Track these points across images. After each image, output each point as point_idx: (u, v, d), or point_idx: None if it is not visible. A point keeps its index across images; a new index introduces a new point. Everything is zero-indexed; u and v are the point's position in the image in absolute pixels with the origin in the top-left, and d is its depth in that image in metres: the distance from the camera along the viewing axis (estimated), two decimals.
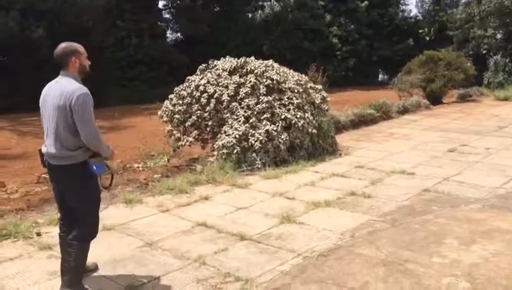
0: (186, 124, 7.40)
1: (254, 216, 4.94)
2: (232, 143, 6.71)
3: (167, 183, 5.92)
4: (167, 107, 7.70)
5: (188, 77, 7.87)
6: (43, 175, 7.86)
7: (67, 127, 3.06)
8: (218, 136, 7.03)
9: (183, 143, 7.41)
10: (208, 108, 7.24)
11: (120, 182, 6.07)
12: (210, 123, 7.25)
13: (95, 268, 3.64)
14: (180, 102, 7.52)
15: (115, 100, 19.43)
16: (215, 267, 3.71)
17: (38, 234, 4.38)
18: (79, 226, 3.21)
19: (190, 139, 7.32)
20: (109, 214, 4.99)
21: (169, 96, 7.90)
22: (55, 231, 4.47)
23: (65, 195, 3.24)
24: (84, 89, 3.09)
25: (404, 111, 13.03)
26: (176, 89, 7.88)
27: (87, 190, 3.20)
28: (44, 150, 3.21)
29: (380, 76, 32.51)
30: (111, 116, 15.06)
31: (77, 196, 3.19)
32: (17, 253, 3.99)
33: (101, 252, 3.99)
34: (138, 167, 8.16)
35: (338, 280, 3.46)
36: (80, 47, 3.24)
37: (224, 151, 6.73)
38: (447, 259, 3.77)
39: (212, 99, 7.24)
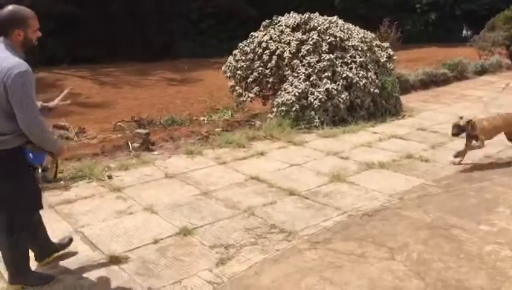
0: (248, 80, 7.59)
1: (306, 173, 5.11)
2: (291, 101, 6.81)
3: (226, 137, 6.22)
4: (231, 63, 7.90)
5: (251, 33, 7.96)
6: (119, 123, 8.54)
7: (0, 109, 2.60)
8: (278, 93, 7.15)
9: (245, 99, 7.64)
10: (269, 65, 7.35)
11: (184, 133, 6.47)
12: (271, 80, 7.37)
13: (68, 243, 3.36)
14: (243, 58, 7.68)
15: (186, 53, 19.97)
16: (262, 219, 3.97)
17: (110, 177, 4.89)
18: (5, 218, 2.81)
19: (251, 95, 7.52)
20: (172, 163, 5.41)
21: (233, 52, 8.07)
22: (126, 175, 4.99)
23: None
24: (24, 66, 2.57)
25: (482, 72, 12.20)
26: (239, 44, 8.03)
27: (15, 182, 2.73)
28: None
29: (464, 32, 30.11)
30: (181, 69, 15.59)
31: (5, 186, 2.73)
32: (90, 193, 4.51)
33: (162, 197, 4.41)
34: (203, 120, 8.56)
35: (378, 240, 3.58)
36: (30, 18, 2.69)
37: (283, 108, 6.86)
38: (495, 227, 3.73)
39: (274, 56, 7.32)
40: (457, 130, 5.20)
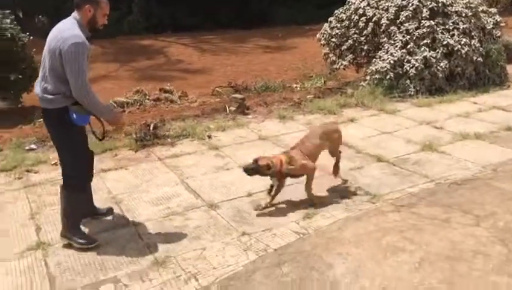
0: (342, 48, 7.61)
1: (396, 141, 5.15)
2: (385, 68, 6.75)
3: (318, 103, 6.40)
4: (325, 30, 7.96)
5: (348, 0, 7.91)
6: (217, 88, 9.10)
7: (53, 70, 2.91)
8: (373, 60, 7.10)
9: (338, 66, 7.70)
10: (365, 32, 7.30)
11: (277, 99, 6.77)
12: (366, 47, 7.33)
13: (106, 213, 3.60)
14: (338, 25, 7.69)
15: (281, 20, 20.07)
16: (348, 181, 4.16)
17: (209, 137, 5.38)
18: (64, 173, 3.21)
19: (345, 62, 7.56)
20: (265, 126, 5.76)
21: (329, 19, 8.10)
22: (223, 136, 5.45)
23: (51, 138, 3.27)
24: (80, 38, 2.86)
25: None
26: (335, 11, 8.02)
27: (66, 138, 3.05)
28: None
29: None
30: (276, 37, 15.79)
31: (58, 142, 3.14)
32: (193, 149, 5.04)
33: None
34: (296, 87, 8.78)
35: (465, 207, 3.61)
36: (103, 2, 3.00)
37: (377, 76, 6.83)
38: None
39: (370, 23, 7.24)
40: (252, 171, 3.61)
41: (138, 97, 8.00)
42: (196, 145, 5.17)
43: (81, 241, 3.20)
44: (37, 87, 3.05)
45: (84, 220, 3.44)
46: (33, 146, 5.16)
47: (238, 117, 6.06)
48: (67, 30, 2.88)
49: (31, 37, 7.83)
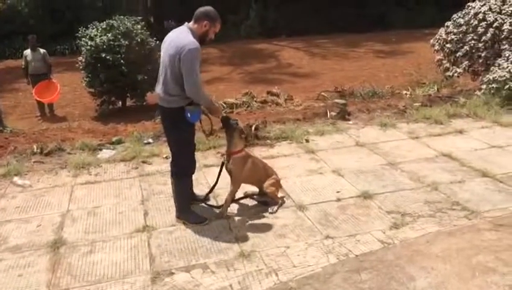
0: (457, 54, 7.18)
1: (506, 157, 4.76)
2: (504, 78, 6.23)
3: (424, 112, 6.14)
4: (440, 36, 7.59)
5: (468, 3, 7.44)
6: (322, 93, 9.20)
7: (173, 74, 3.33)
8: (491, 68, 6.59)
9: (451, 74, 7.29)
10: (483, 38, 6.81)
11: (380, 106, 6.64)
12: (484, 54, 6.83)
13: (202, 199, 4.01)
14: (455, 30, 7.28)
15: (400, 23, 19.36)
16: (445, 195, 3.99)
17: (307, 141, 5.50)
18: (174, 163, 3.66)
19: (459, 70, 7.13)
20: (364, 133, 5.71)
21: (446, 24, 7.72)
22: (321, 140, 5.54)
23: (165, 133, 3.75)
24: (196, 45, 3.27)
25: None
26: (453, 16, 7.62)
27: (179, 133, 3.52)
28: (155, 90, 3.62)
29: None
30: (390, 41, 15.31)
31: (172, 136, 3.62)
32: (289, 152, 5.21)
33: (350, 163, 4.80)
34: (406, 94, 8.51)
35: None
36: (218, 22, 3.44)
37: (494, 85, 6.33)
38: None
39: (491, 29, 6.74)
40: (226, 123, 3.78)
41: (246, 99, 8.45)
42: (293, 147, 5.34)
43: (194, 219, 3.69)
44: (158, 88, 3.50)
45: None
46: (150, 140, 5.78)
47: (338, 122, 6.09)
48: (184, 38, 3.32)
49: (157, 42, 8.72)
